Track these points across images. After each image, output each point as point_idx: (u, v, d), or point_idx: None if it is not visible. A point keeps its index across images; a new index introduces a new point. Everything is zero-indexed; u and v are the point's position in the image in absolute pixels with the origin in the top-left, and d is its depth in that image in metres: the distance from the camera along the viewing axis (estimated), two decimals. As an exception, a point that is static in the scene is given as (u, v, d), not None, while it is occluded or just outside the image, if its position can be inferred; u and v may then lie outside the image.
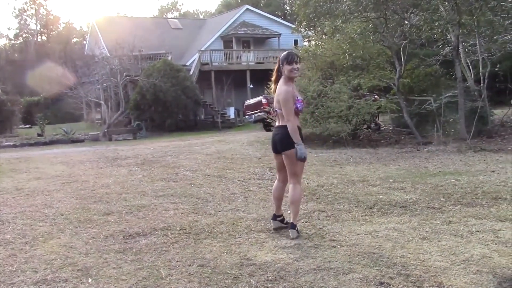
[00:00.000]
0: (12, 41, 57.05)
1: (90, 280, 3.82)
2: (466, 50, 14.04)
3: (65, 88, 28.08)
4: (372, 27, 12.67)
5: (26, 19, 57.40)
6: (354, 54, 12.71)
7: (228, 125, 26.62)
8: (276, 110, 4.86)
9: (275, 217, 5.04)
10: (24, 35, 56.95)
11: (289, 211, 5.02)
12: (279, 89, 4.80)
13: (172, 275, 3.88)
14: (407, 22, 12.82)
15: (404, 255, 4.13)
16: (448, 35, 12.98)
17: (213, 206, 6.21)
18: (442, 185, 6.89)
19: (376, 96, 13.99)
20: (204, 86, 28.49)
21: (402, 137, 13.39)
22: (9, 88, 30.74)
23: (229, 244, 4.59)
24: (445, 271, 3.75)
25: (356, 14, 12.86)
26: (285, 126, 4.73)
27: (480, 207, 5.62)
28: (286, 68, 4.73)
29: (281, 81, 4.81)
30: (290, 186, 4.84)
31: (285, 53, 4.86)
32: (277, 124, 4.93)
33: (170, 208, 6.13)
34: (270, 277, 3.75)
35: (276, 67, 4.90)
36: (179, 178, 8.29)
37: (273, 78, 4.99)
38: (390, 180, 7.44)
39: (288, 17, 46.44)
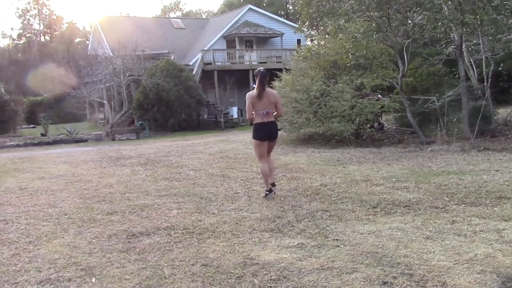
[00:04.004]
0: (16, 41, 57.17)
1: (93, 280, 3.83)
2: (470, 49, 14.01)
3: (68, 88, 28.13)
4: (375, 26, 12.64)
5: (29, 19, 57.53)
6: (357, 54, 12.69)
7: (231, 125, 26.64)
8: (267, 111, 6.47)
9: (274, 185, 6.63)
10: (27, 35, 57.06)
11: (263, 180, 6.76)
12: (273, 93, 6.68)
13: (176, 274, 3.88)
14: (410, 21, 12.79)
15: (408, 254, 4.12)
16: (451, 34, 12.94)
17: (216, 205, 6.21)
18: (446, 184, 6.89)
19: (379, 96, 13.97)
20: (207, 85, 28.49)
21: (405, 137, 13.37)
22: (13, 88, 30.83)
23: (232, 244, 4.59)
24: (448, 271, 3.74)
25: (359, 14, 12.84)
26: (275, 120, 6.63)
27: (484, 207, 5.61)
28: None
29: (268, 88, 6.54)
30: (271, 159, 6.90)
31: (263, 69, 6.56)
32: (266, 120, 6.48)
33: (174, 207, 6.14)
34: (273, 277, 3.75)
35: (261, 79, 6.36)
36: (182, 178, 8.30)
37: (260, 89, 6.39)
38: (394, 179, 7.44)
39: (291, 17, 46.41)
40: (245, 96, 6.68)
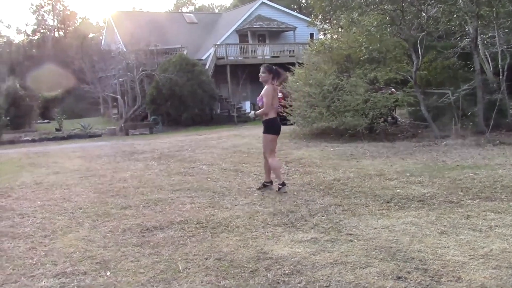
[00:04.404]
0: (30, 37, 57.58)
1: (108, 273, 3.86)
2: (485, 42, 13.83)
3: (82, 83, 28.34)
4: (389, 19, 12.52)
5: (43, 15, 57.92)
6: (370, 47, 12.59)
7: (244, 119, 26.59)
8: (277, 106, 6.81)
9: (272, 183, 6.77)
10: (41, 31, 57.46)
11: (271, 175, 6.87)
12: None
13: (189, 268, 3.90)
14: (424, 14, 12.66)
15: (422, 249, 4.10)
16: (466, 27, 12.79)
17: (230, 200, 6.23)
18: (460, 179, 6.83)
19: (393, 90, 13.86)
20: (219, 80, 28.50)
21: (420, 131, 13.27)
22: (27, 84, 31.04)
23: (245, 238, 4.60)
24: (463, 266, 3.72)
25: (372, 7, 12.74)
26: None
27: (499, 201, 5.56)
28: None
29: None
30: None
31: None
32: (276, 115, 6.70)
33: (187, 202, 6.17)
34: (286, 271, 3.76)
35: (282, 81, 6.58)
36: (196, 172, 8.33)
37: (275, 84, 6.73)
38: (407, 174, 7.39)
39: (304, 10, 46.16)
40: (258, 90, 6.77)
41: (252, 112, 6.84)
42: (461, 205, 5.48)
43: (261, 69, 6.73)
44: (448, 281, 3.48)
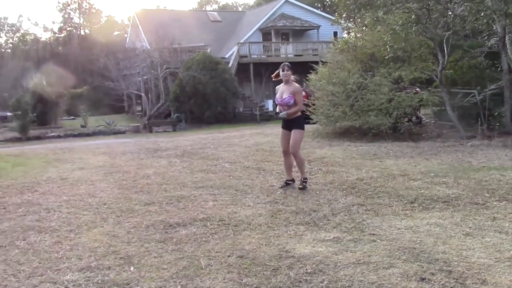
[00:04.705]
0: (56, 35, 58.45)
1: (132, 268, 3.91)
2: (513, 41, 13.55)
3: (107, 80, 28.69)
4: (415, 18, 12.36)
5: (69, 13, 58.74)
6: (395, 46, 12.44)
7: (266, 118, 26.61)
8: None
9: (293, 180, 6.93)
10: (67, 29, 58.29)
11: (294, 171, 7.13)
12: None
13: (212, 265, 3.93)
14: (450, 12, 12.47)
15: (446, 251, 4.05)
16: (494, 25, 12.55)
17: (252, 198, 6.24)
18: (486, 180, 6.72)
19: (417, 89, 13.70)
20: (242, 78, 28.55)
21: (445, 131, 13.08)
22: (54, 81, 31.54)
23: (268, 236, 4.61)
24: (489, 268, 3.66)
25: (397, 5, 12.60)
26: None
27: (527, 204, 5.45)
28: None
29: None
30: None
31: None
32: None
33: (210, 199, 6.20)
34: (309, 270, 3.75)
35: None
36: (218, 170, 8.36)
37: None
38: (432, 174, 7.30)
39: (328, 9, 45.91)
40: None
41: (285, 112, 6.76)
42: (487, 207, 5.39)
43: (284, 67, 6.77)
44: (473, 283, 3.43)
